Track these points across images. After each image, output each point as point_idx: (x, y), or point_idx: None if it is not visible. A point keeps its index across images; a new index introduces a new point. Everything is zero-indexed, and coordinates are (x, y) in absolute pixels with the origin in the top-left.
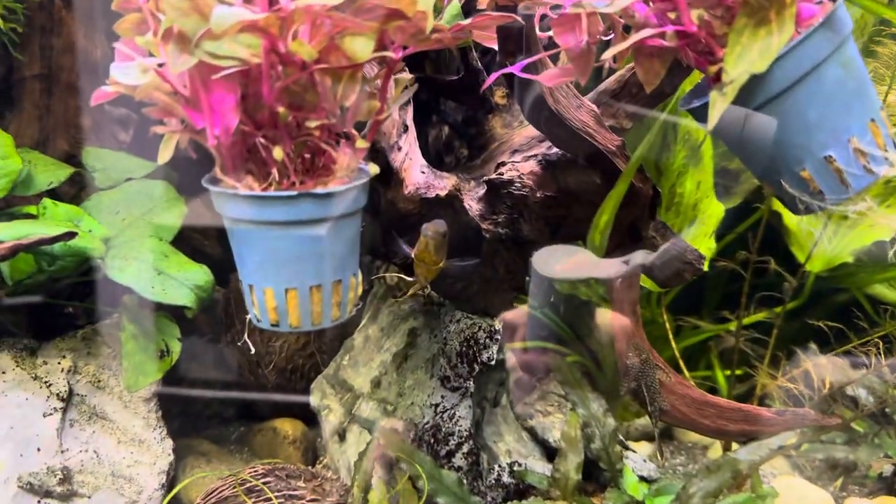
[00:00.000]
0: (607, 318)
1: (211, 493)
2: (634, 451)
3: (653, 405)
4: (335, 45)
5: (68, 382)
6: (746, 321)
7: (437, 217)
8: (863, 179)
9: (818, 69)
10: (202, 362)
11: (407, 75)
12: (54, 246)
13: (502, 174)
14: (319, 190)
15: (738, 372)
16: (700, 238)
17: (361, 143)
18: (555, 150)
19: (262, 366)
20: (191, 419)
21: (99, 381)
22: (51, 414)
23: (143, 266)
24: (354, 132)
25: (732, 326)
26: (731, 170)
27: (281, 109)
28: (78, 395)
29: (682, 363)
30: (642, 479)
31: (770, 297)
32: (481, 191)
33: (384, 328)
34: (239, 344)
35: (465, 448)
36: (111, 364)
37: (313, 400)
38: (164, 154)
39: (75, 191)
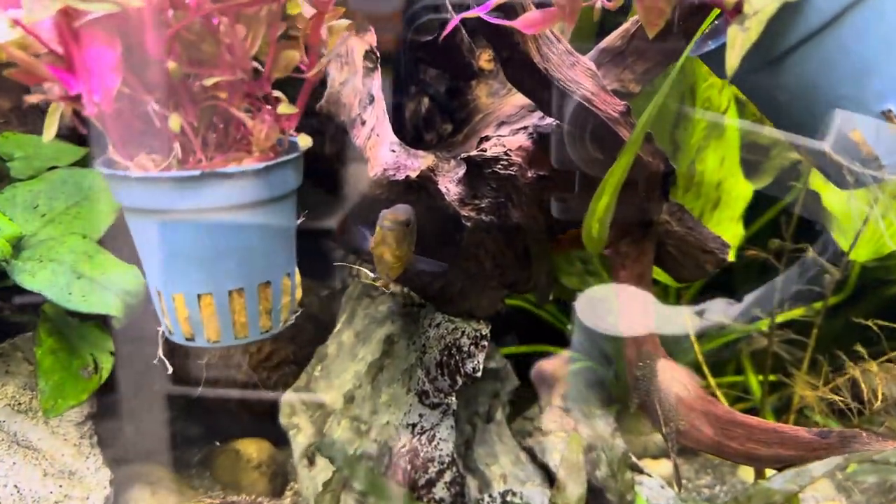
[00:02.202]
0: (670, 373)
1: None
2: (650, 476)
3: (668, 425)
4: None
5: None
6: (781, 319)
7: (409, 203)
8: None
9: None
10: (156, 375)
11: (345, 21)
12: None
13: (485, 150)
14: (231, 168)
15: (771, 378)
16: (725, 223)
17: (286, 109)
18: (549, 120)
19: (221, 379)
20: (143, 441)
21: (19, 403)
22: None
23: (59, 269)
24: (281, 95)
25: (765, 325)
26: (761, 144)
27: (171, 64)
28: None
29: (705, 368)
30: None
31: (809, 292)
32: (461, 171)
33: (359, 333)
34: (155, 362)
35: (448, 476)
36: (34, 383)
37: (282, 417)
38: (49, 130)
39: None
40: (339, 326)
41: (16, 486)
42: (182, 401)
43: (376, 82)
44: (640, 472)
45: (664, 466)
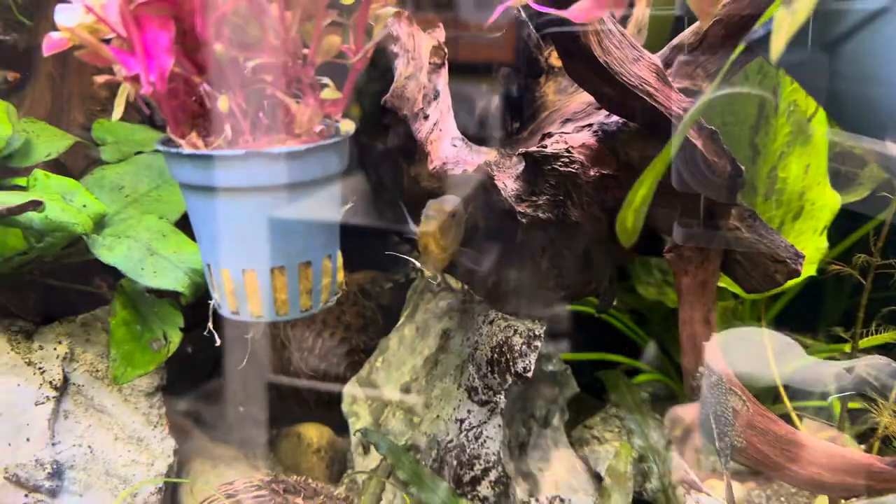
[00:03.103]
0: (729, 387)
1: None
2: (709, 494)
3: (722, 440)
4: None
5: (63, 370)
6: (866, 343)
7: (467, 198)
8: None
9: None
10: (231, 358)
11: (391, 9)
12: (35, 220)
13: (545, 147)
14: (273, 149)
15: (854, 406)
16: (808, 234)
17: (329, 94)
18: (615, 118)
19: (293, 364)
20: (212, 419)
21: (97, 370)
22: (43, 403)
23: (135, 246)
24: (327, 81)
25: (848, 348)
26: (857, 154)
27: (218, 47)
28: (74, 384)
29: (783, 391)
30: None
31: None
32: (520, 167)
33: (419, 328)
34: (205, 333)
35: (493, 475)
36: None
37: (343, 405)
38: (118, 110)
39: (86, 164)
40: (402, 320)
41: (89, 447)
42: (256, 384)
43: (443, 79)
44: (699, 490)
45: (736, 489)
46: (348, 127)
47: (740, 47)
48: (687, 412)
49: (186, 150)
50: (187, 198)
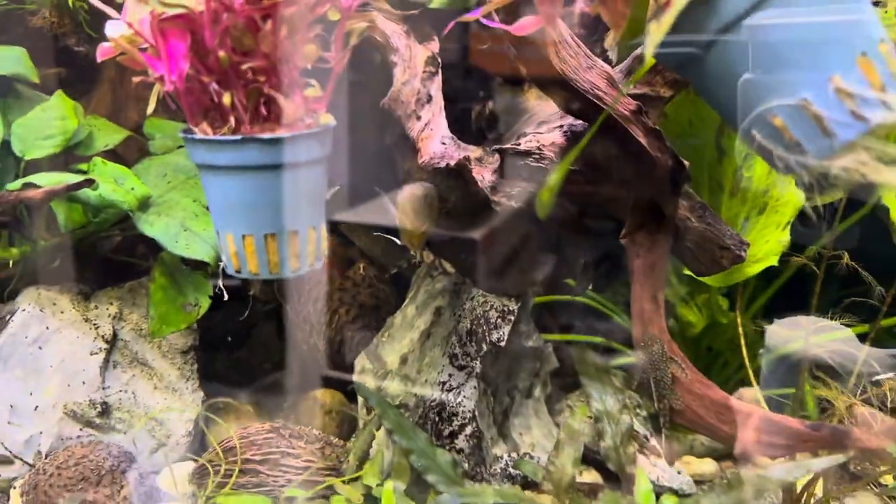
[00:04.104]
0: (670, 356)
1: (220, 443)
2: (660, 456)
3: (662, 402)
4: None
5: (113, 327)
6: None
7: (450, 188)
8: (850, 128)
9: None
10: (260, 331)
11: (362, 24)
12: (91, 198)
13: (519, 144)
14: (265, 136)
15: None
16: (771, 229)
17: (312, 92)
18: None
19: (312, 336)
20: (239, 382)
21: (141, 329)
22: (96, 353)
23: (172, 222)
24: (311, 81)
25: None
26: None
27: (222, 54)
28: (121, 340)
29: (751, 376)
30: (674, 491)
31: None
32: (498, 162)
33: (419, 306)
34: (216, 291)
35: (468, 430)
36: None
37: (354, 374)
38: (151, 105)
39: (138, 155)
40: (406, 301)
41: (133, 393)
42: (280, 355)
43: (435, 85)
44: (653, 453)
45: (708, 465)
46: (328, 120)
47: (651, 61)
48: (746, 408)
49: (199, 136)
50: (202, 176)
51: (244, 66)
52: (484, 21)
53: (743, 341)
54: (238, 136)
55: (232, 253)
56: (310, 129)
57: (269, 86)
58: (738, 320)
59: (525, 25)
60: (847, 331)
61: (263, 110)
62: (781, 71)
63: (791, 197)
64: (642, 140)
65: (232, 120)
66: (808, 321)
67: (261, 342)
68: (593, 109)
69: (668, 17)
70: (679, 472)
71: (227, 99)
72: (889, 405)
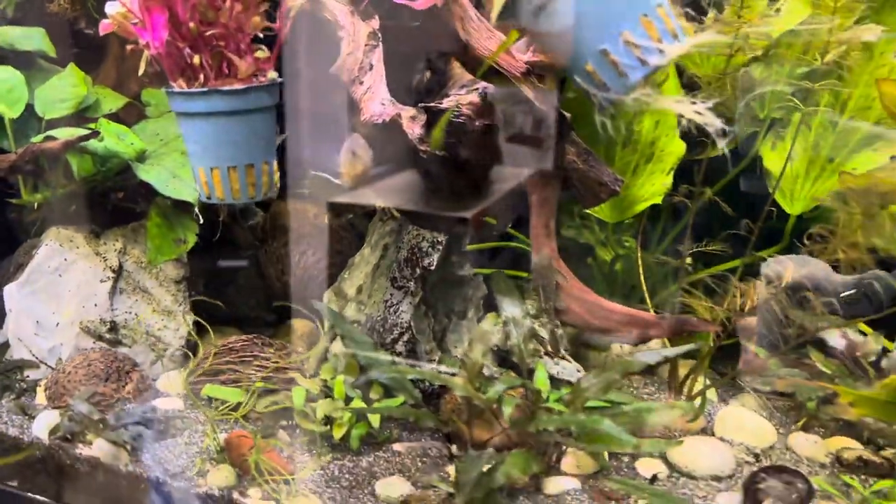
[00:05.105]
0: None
1: (207, 353)
2: (570, 361)
3: (547, 303)
4: None
5: (119, 260)
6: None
7: (387, 140)
8: (638, 71)
9: None
10: (241, 272)
11: (300, 1)
12: (98, 149)
13: (441, 103)
14: (225, 87)
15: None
16: (658, 174)
17: (260, 54)
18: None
19: (285, 275)
20: (232, 319)
21: (141, 262)
22: (105, 281)
23: (163, 171)
24: (262, 47)
25: (733, 265)
26: (728, 116)
27: (192, 25)
28: (126, 271)
29: (647, 299)
30: (570, 384)
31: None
32: (424, 118)
33: (372, 246)
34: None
35: (406, 337)
36: None
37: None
38: (141, 67)
39: (137, 118)
40: (365, 244)
41: (136, 314)
42: (262, 292)
43: (376, 55)
44: (563, 357)
45: None
46: (273, 76)
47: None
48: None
49: (177, 89)
50: (179, 122)
51: (209, 34)
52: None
53: (641, 272)
54: (206, 89)
55: (203, 183)
56: (260, 84)
57: (229, 49)
58: (639, 255)
59: (424, 2)
60: (822, 263)
61: (225, 69)
62: (589, 30)
63: (675, 148)
64: (531, 97)
65: (201, 76)
66: (796, 259)
67: (245, 280)
68: (493, 72)
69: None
70: (578, 370)
71: (196, 60)
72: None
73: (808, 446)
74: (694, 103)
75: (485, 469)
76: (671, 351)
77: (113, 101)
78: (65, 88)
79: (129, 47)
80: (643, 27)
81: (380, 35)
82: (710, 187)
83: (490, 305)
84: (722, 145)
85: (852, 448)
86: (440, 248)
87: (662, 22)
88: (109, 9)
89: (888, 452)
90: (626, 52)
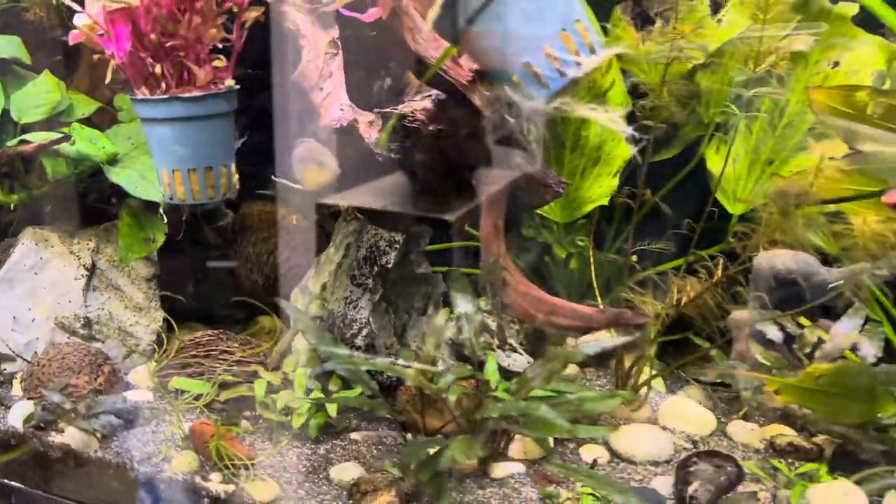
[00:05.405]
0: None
1: (174, 347)
2: (521, 354)
3: (495, 298)
4: None
5: (92, 258)
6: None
7: (346, 144)
8: (558, 81)
9: None
10: (211, 272)
11: (253, 13)
12: (71, 152)
13: (396, 108)
14: (184, 95)
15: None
16: (604, 177)
17: (219, 63)
18: None
19: (253, 273)
20: (202, 316)
21: (114, 260)
22: (79, 279)
23: (132, 173)
24: (220, 56)
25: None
26: (673, 121)
27: (153, 36)
28: (99, 269)
29: (598, 295)
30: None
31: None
32: (381, 123)
33: (336, 246)
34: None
35: (365, 332)
36: None
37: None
38: (107, 75)
39: (109, 122)
40: (330, 244)
41: (109, 311)
42: (233, 289)
43: (336, 62)
44: (514, 350)
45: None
46: (230, 83)
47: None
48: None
49: (140, 96)
50: (144, 127)
51: (169, 45)
52: (343, 11)
53: (593, 270)
54: (167, 96)
55: (166, 184)
56: (218, 91)
57: (188, 59)
58: (591, 253)
59: (371, 14)
60: (811, 256)
61: (185, 77)
62: (514, 42)
63: (621, 151)
64: (478, 103)
65: (163, 84)
66: (787, 252)
67: (214, 279)
68: (441, 79)
69: (435, 7)
70: (529, 362)
71: (158, 69)
72: None
73: (745, 433)
74: (606, 112)
75: (431, 454)
76: (609, 341)
77: (86, 106)
78: (39, 94)
79: (95, 56)
80: (562, 41)
81: (339, 43)
82: (662, 188)
83: (449, 302)
84: (633, 151)
85: (785, 434)
86: (397, 246)
87: (580, 36)
88: (77, 21)
89: (819, 439)
90: (546, 65)
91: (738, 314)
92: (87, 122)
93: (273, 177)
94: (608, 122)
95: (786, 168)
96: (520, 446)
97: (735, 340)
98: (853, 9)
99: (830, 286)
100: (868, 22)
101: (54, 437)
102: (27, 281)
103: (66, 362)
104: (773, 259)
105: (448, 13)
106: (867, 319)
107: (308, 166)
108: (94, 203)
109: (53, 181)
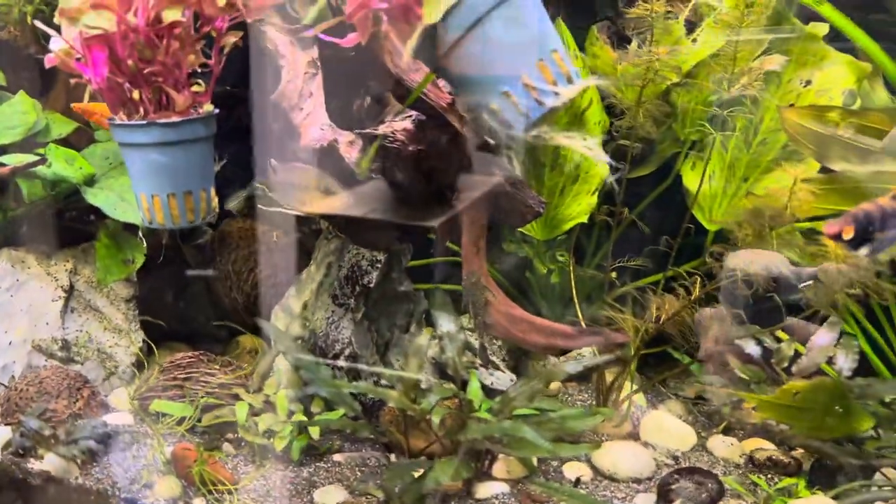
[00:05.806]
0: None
1: (153, 370)
2: (504, 372)
3: (477, 318)
4: (158, 15)
5: (70, 280)
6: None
7: (327, 163)
8: (536, 110)
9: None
10: (191, 290)
11: (231, 38)
12: (47, 174)
13: (377, 129)
14: (162, 120)
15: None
16: (583, 195)
17: (197, 88)
18: None
19: (233, 291)
20: (182, 336)
21: (92, 281)
22: (57, 300)
23: (111, 194)
24: (199, 81)
25: (654, 279)
26: (650, 139)
27: (131, 62)
28: (77, 290)
29: (578, 310)
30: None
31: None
32: (361, 143)
33: (317, 264)
34: (138, 239)
35: (347, 352)
36: None
37: (272, 321)
38: (86, 99)
39: (86, 143)
40: (311, 262)
41: (87, 332)
42: (211, 308)
43: (316, 83)
44: (497, 368)
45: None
46: (209, 108)
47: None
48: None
49: (118, 121)
50: (122, 152)
51: (147, 71)
52: (322, 36)
53: (574, 285)
54: (145, 121)
55: (145, 209)
56: (197, 116)
57: (167, 84)
58: (571, 269)
59: (349, 39)
60: (780, 256)
61: (164, 102)
62: (493, 71)
63: (597, 170)
64: (457, 126)
65: (141, 110)
66: (754, 252)
67: (194, 297)
68: (421, 101)
69: (416, 34)
70: (512, 380)
71: (136, 94)
72: None
73: (725, 448)
74: (585, 140)
75: (416, 476)
76: (591, 361)
77: (62, 126)
78: (14, 115)
79: (72, 81)
80: (539, 71)
81: (318, 63)
82: (640, 205)
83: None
84: (610, 180)
85: (765, 449)
86: (379, 266)
87: (557, 66)
88: (54, 45)
89: (797, 452)
90: (524, 94)
91: (705, 311)
92: (64, 142)
93: (258, 184)
94: (585, 150)
95: (760, 185)
96: (504, 466)
97: (702, 339)
98: (824, 28)
99: (801, 286)
100: (839, 39)
101: (34, 464)
102: (3, 303)
103: (44, 386)
104: (743, 258)
105: (427, 42)
106: (842, 333)
107: (311, 193)
108: (72, 223)
109: (29, 203)
